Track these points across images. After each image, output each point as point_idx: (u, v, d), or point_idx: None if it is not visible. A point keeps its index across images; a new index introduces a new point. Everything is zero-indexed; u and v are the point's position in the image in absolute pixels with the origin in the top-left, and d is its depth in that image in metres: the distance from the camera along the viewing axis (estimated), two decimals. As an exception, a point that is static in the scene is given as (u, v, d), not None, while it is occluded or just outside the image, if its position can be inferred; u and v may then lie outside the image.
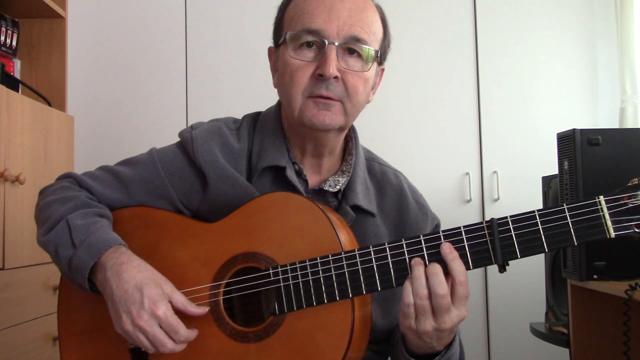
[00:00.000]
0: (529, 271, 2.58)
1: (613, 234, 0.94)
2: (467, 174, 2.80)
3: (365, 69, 1.14)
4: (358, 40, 1.12)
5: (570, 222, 0.95)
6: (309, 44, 1.12)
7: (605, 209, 0.94)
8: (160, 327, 1.04)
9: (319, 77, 1.11)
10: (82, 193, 1.19)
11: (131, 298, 1.04)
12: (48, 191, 1.22)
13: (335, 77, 1.11)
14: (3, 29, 2.30)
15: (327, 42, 1.10)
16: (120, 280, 1.05)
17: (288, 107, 1.16)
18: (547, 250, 0.96)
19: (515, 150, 2.79)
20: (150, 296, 1.04)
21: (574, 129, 1.75)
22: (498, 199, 2.78)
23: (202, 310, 1.08)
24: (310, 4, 1.13)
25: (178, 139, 1.24)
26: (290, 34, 1.13)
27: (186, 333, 1.06)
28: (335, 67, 1.10)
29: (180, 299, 1.07)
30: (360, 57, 1.13)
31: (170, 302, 1.06)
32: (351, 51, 1.13)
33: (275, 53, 1.21)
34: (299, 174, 1.20)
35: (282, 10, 1.20)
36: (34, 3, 2.46)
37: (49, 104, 2.39)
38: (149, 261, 1.10)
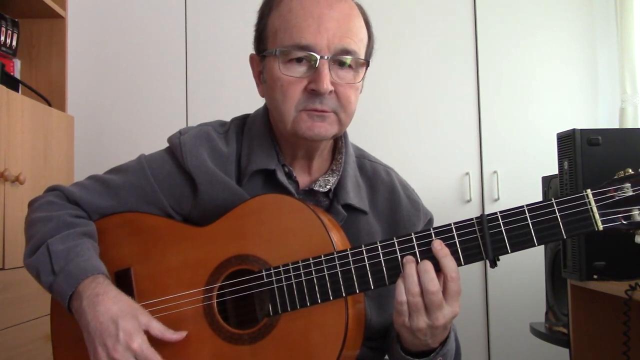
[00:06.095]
0: (529, 271, 2.59)
1: (601, 227, 0.95)
2: (467, 174, 2.79)
3: (357, 80, 1.13)
4: (348, 52, 1.10)
5: (559, 216, 0.96)
6: (299, 59, 1.10)
7: (592, 202, 0.95)
8: (136, 359, 1.04)
9: (312, 92, 1.09)
10: (66, 211, 1.18)
11: (107, 331, 1.04)
12: (34, 206, 1.22)
13: (329, 92, 1.09)
14: (3, 29, 2.30)
15: (318, 58, 1.08)
16: (95, 312, 1.05)
17: (280, 120, 1.14)
18: (537, 245, 0.97)
19: (515, 150, 2.79)
20: (125, 329, 1.04)
21: (574, 129, 1.75)
22: (498, 199, 2.77)
23: (180, 335, 1.09)
24: (296, 16, 1.10)
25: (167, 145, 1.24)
26: (279, 50, 1.10)
27: None
28: (329, 82, 1.08)
29: (158, 327, 1.08)
30: (351, 67, 1.12)
31: (148, 331, 1.07)
32: (341, 63, 1.11)
33: (260, 63, 1.18)
34: (289, 175, 1.19)
35: (264, 18, 1.16)
36: (34, 3, 2.46)
37: (49, 104, 2.40)
38: (142, 266, 1.11)
